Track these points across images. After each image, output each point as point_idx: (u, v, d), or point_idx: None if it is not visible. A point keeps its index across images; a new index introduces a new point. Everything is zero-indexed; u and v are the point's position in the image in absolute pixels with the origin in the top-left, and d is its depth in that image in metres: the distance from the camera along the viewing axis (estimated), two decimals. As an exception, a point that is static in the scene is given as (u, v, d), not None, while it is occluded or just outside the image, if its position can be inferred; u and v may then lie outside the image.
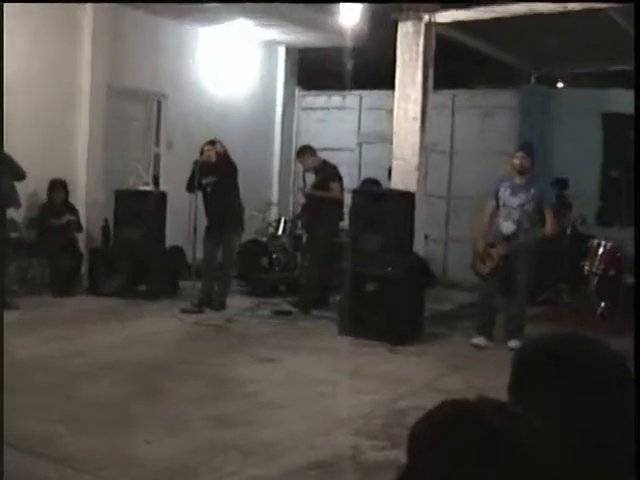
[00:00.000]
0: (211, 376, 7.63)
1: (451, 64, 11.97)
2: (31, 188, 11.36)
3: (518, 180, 9.38)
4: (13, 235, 11.04)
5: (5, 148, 10.33)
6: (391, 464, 5.16)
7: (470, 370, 8.15)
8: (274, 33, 14.24)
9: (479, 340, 9.29)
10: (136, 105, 13.40)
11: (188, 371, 7.83)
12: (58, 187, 11.56)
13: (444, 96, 13.46)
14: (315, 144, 12.23)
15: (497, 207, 9.47)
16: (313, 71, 15.47)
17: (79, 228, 11.79)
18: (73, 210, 11.73)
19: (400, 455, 1.59)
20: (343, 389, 7.29)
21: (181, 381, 7.47)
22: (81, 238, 11.92)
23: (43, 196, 11.58)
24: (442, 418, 1.57)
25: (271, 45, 15.23)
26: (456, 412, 1.57)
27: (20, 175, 10.53)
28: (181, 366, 8.05)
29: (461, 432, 1.52)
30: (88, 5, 12.04)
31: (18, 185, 10.68)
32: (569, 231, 11.79)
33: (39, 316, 10.10)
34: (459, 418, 1.55)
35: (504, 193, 9.40)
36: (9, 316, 9.82)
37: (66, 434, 5.87)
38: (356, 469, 5.52)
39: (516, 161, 9.40)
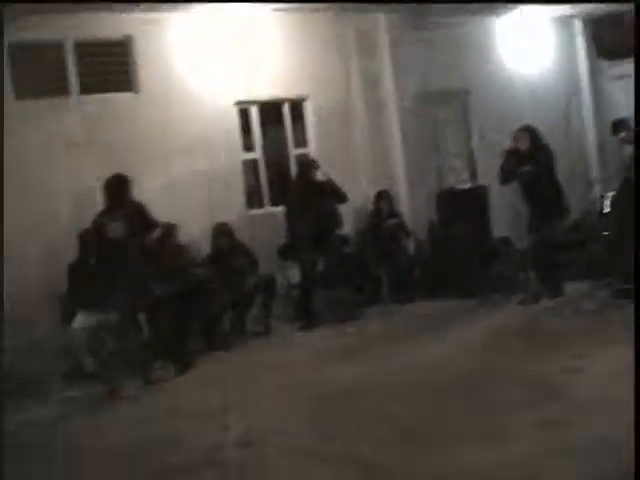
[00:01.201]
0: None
1: None
2: (360, 203, 11.92)
3: None
4: (346, 250, 11.56)
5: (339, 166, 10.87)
6: None
7: None
8: (567, 8, 13.94)
9: None
10: (444, 104, 13.49)
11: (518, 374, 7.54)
12: (384, 197, 11.99)
13: None
14: (627, 114, 11.80)
15: None
16: (610, 40, 14.95)
17: (407, 233, 12.09)
18: (397, 216, 12.09)
19: None
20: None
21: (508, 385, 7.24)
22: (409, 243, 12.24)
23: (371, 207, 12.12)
24: None
25: (566, 20, 14.89)
26: None
27: (342, 198, 10.99)
28: (511, 365, 7.81)
29: None
30: (381, 18, 12.41)
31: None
32: None
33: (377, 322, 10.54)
34: None
35: None
36: (347, 325, 10.44)
37: (389, 447, 5.93)
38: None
39: None
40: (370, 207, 12.08)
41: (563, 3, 10.67)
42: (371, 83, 12.48)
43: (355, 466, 5.61)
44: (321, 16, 11.98)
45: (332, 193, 10.81)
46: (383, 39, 12.47)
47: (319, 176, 10.74)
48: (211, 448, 6.27)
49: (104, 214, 8.86)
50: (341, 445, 6.08)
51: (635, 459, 4.58)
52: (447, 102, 13.49)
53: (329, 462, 5.71)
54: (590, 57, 15.33)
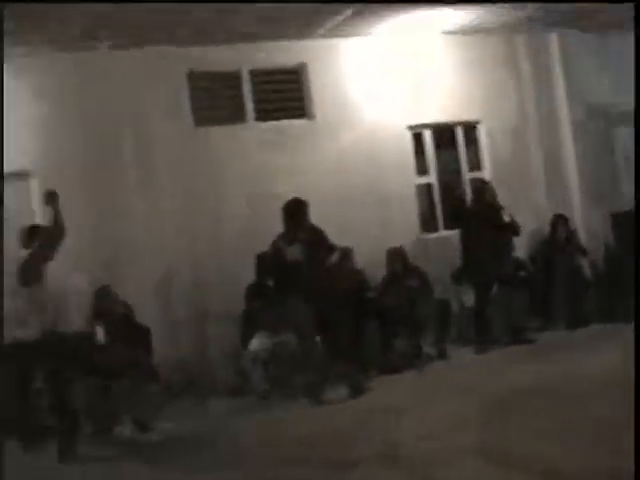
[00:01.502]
0: None
1: None
2: (535, 225, 11.83)
3: None
4: (521, 274, 11.38)
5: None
6: None
7: None
8: None
9: None
10: (620, 123, 13.08)
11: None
12: (560, 220, 11.75)
13: None
14: None
15: None
16: None
17: (583, 253, 11.82)
18: (573, 239, 11.85)
19: None
20: None
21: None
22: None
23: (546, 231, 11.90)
24: None
25: None
26: None
27: (516, 231, 10.87)
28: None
29: None
30: (554, 37, 12.25)
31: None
32: None
33: (551, 346, 10.30)
34: None
35: None
36: (522, 349, 10.29)
37: (559, 451, 5.85)
38: None
39: None
40: (546, 229, 11.85)
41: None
42: (545, 104, 12.31)
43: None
44: (493, 38, 11.90)
45: (509, 226, 10.74)
46: (556, 59, 12.30)
47: (505, 217, 10.67)
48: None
49: (283, 237, 8.99)
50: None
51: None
52: (623, 122, 13.12)
53: None
54: None
